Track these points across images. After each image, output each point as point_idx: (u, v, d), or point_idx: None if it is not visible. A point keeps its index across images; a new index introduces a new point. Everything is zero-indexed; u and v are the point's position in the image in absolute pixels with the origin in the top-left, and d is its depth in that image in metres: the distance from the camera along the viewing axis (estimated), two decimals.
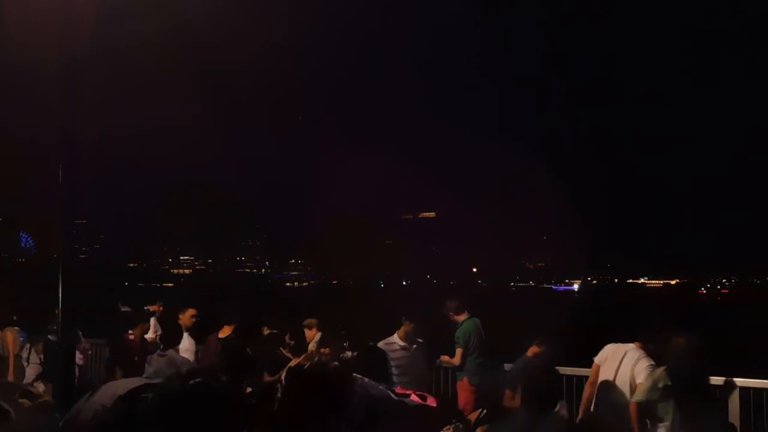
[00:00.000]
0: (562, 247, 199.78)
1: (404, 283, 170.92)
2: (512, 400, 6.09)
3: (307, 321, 8.68)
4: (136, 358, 7.76)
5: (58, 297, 6.04)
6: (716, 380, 6.34)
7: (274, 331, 8.26)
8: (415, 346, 7.37)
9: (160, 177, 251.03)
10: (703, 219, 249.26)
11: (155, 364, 3.63)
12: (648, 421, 5.75)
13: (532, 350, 6.79)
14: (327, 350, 6.56)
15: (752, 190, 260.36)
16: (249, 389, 5.58)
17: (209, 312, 9.48)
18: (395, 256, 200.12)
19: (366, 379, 2.99)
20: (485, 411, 5.41)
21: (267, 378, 6.49)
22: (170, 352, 5.05)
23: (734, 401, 6.65)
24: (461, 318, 8.36)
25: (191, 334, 8.89)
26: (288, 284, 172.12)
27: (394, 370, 6.76)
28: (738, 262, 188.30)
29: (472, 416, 5.46)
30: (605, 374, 6.39)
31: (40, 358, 8.77)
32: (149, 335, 9.06)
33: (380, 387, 3.06)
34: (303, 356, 2.57)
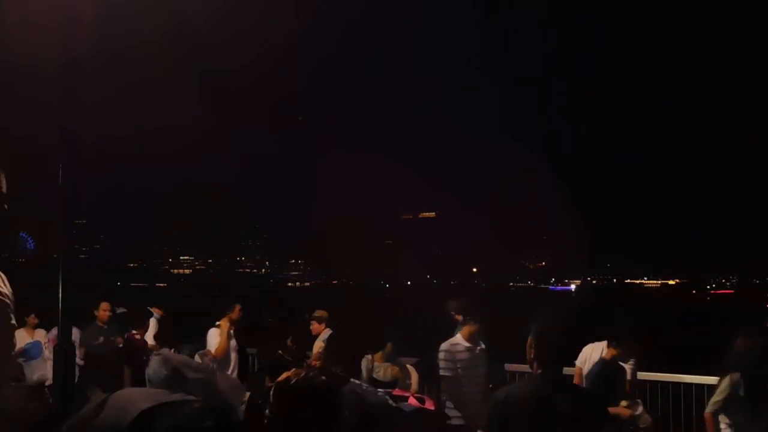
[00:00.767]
0: (562, 247, 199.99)
1: (408, 283, 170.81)
2: None
3: (318, 313, 8.34)
4: (144, 358, 7.76)
5: (58, 297, 6.05)
6: None
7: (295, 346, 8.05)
8: (479, 347, 6.94)
9: (160, 177, 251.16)
10: (703, 219, 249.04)
11: (154, 364, 3.62)
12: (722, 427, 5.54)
13: (609, 352, 6.60)
14: (317, 362, 6.49)
15: (752, 190, 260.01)
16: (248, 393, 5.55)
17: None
18: (395, 256, 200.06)
19: (364, 386, 2.98)
20: None
21: (267, 383, 6.45)
22: (164, 350, 5.05)
23: None
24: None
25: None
26: (290, 284, 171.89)
27: (459, 372, 6.68)
28: (738, 262, 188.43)
29: None
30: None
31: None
32: (149, 337, 9.05)
33: (377, 393, 3.05)
34: (292, 371, 2.58)
